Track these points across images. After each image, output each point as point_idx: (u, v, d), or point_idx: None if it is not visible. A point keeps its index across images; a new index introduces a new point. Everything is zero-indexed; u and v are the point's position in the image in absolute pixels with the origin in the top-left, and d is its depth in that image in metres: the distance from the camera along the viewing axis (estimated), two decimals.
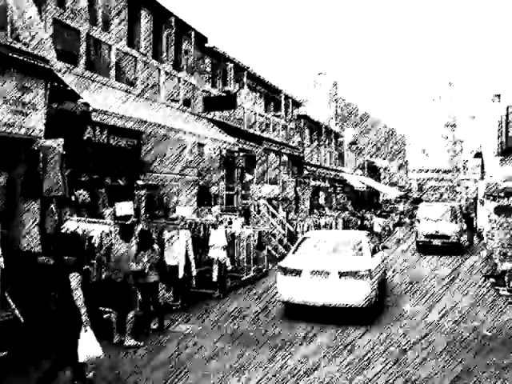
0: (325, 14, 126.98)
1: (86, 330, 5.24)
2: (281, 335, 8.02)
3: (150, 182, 12.01)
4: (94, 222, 8.33)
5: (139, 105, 11.49)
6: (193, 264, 9.85)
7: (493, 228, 16.46)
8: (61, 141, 8.37)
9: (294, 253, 10.00)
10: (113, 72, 11.16)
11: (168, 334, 7.94)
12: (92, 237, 8.05)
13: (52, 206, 8.48)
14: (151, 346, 7.35)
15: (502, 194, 17.00)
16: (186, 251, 9.75)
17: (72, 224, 8.19)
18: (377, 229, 22.83)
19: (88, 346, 5.25)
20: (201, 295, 10.43)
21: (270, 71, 26.01)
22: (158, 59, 13.77)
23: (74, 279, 5.29)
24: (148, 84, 12.79)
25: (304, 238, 10.62)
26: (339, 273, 8.69)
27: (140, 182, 11.27)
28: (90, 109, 8.55)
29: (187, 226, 10.39)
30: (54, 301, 5.50)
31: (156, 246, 8.41)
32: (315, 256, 9.57)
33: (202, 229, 11.35)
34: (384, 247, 12.26)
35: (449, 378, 6.26)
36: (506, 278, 12.50)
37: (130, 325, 7.37)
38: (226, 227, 11.77)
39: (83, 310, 5.24)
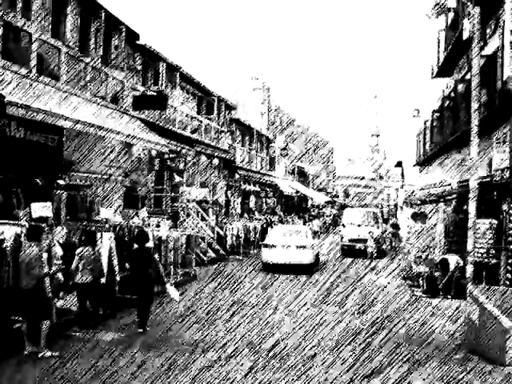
0: (263, 19, 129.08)
1: (169, 284, 9.52)
2: (203, 341, 7.93)
3: (72, 182, 11.37)
4: (6, 224, 7.69)
5: (62, 100, 10.86)
6: (116, 269, 9.44)
7: (409, 233, 17.55)
8: None
9: (268, 237, 17.45)
10: (34, 63, 10.45)
11: (87, 343, 7.53)
12: (3, 239, 7.42)
13: None
14: (69, 356, 6.90)
15: (418, 202, 18.22)
16: (110, 255, 9.33)
17: None
18: (315, 228, 29.49)
19: (174, 293, 9.05)
20: (125, 301, 9.97)
21: (203, 74, 25.84)
22: (86, 53, 13.14)
23: (157, 258, 9.12)
24: (73, 78, 12.15)
25: (273, 229, 19.11)
26: (296, 246, 15.80)
27: (61, 182, 10.62)
28: (6, 101, 7.94)
29: (112, 229, 9.95)
30: (149, 270, 8.53)
31: (96, 248, 8.65)
32: (282, 237, 16.49)
33: (127, 232, 10.91)
34: (318, 236, 22.11)
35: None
36: (421, 280, 13.37)
37: (44, 334, 6.88)
38: (152, 230, 11.43)
39: (164, 274, 9.23)
